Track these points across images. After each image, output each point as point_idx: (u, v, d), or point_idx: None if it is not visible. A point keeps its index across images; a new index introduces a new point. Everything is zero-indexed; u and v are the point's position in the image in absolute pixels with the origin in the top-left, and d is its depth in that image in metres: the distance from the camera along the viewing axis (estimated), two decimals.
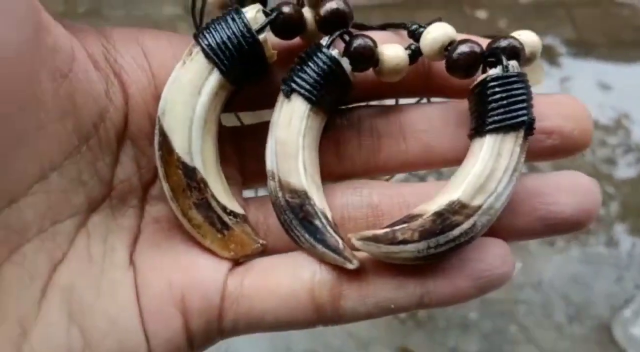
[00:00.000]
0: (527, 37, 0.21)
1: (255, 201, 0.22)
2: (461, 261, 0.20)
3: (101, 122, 0.19)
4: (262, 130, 0.21)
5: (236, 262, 0.21)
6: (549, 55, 0.93)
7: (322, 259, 0.20)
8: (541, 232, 0.21)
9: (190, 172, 0.20)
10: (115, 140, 0.20)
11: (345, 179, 0.23)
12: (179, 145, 0.20)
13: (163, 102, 0.20)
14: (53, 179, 0.18)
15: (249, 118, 0.24)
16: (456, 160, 0.21)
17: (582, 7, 1.01)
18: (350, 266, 0.20)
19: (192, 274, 0.20)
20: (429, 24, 0.21)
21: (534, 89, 0.21)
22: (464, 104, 0.21)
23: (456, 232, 0.19)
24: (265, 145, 0.21)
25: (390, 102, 0.24)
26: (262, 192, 0.23)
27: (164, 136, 0.20)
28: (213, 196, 0.20)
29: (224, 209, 0.21)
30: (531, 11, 1.00)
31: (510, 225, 0.21)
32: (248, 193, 0.23)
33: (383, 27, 0.23)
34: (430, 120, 0.22)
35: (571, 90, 0.88)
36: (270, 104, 0.21)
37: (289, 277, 0.20)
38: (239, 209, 0.21)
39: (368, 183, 0.22)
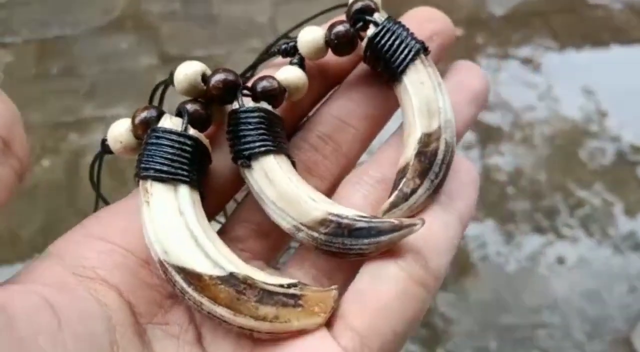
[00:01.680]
0: None
1: (290, 264, 0.22)
2: None
3: (114, 334, 0.18)
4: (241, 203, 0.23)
5: (328, 324, 0.19)
6: (531, 65, 0.93)
7: (394, 245, 0.20)
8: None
9: (231, 279, 0.19)
10: (137, 336, 0.19)
11: (334, 189, 0.24)
12: (201, 266, 0.19)
13: (158, 246, 0.19)
14: None
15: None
16: (396, 106, 0.24)
17: (557, 14, 1.01)
18: (419, 227, 0.20)
19: None
20: (291, 35, 0.24)
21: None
22: (359, 68, 0.24)
23: (440, 156, 0.22)
24: (254, 208, 0.22)
25: None
26: None
27: (184, 272, 0.19)
28: (265, 282, 0.19)
29: (282, 285, 0.19)
30: (508, 23, 1.01)
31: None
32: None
33: (256, 64, 0.24)
34: (352, 97, 0.24)
35: (557, 98, 0.88)
36: (226, 199, 0.23)
37: (384, 287, 0.20)
38: (290, 279, 0.20)
39: (358, 172, 0.23)
